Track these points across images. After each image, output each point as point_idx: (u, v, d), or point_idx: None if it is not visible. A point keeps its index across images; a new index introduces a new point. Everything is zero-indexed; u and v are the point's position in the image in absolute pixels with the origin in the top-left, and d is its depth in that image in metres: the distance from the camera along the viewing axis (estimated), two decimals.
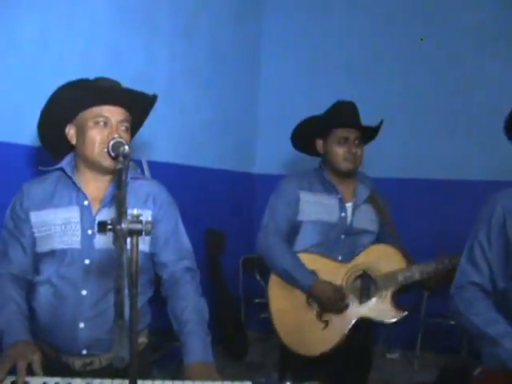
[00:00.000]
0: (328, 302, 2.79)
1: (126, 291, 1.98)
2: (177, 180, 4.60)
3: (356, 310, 2.82)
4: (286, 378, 1.73)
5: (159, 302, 2.23)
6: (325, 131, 2.93)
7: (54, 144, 2.21)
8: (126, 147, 1.83)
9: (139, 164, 4.18)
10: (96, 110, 2.06)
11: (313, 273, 2.83)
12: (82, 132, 2.08)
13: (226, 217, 5.28)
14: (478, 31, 5.07)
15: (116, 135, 2.00)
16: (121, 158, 1.75)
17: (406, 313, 2.81)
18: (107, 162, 2.02)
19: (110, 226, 1.29)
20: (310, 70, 5.70)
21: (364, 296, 2.85)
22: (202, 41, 4.89)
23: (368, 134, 3.00)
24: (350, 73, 5.52)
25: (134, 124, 2.21)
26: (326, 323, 2.83)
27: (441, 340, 5.00)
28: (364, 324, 2.85)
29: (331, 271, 2.84)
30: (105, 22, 3.75)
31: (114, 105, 2.07)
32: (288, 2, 5.87)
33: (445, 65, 5.19)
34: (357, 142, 2.90)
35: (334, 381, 2.70)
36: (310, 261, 2.86)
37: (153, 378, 1.76)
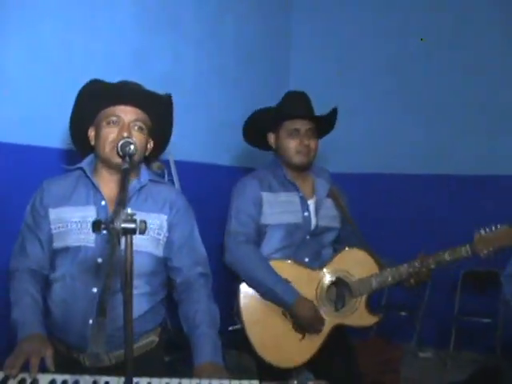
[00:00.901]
0: (307, 322, 2.67)
1: (135, 291, 2.05)
2: (205, 180, 4.63)
3: (332, 318, 2.74)
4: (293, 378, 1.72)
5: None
6: (275, 124, 2.85)
7: (83, 146, 2.28)
8: (132, 147, 1.87)
9: (167, 164, 4.22)
10: (110, 110, 2.13)
11: (294, 289, 2.69)
12: (97, 132, 2.15)
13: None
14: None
15: (126, 134, 2.04)
16: (127, 158, 1.77)
17: (379, 318, 2.79)
18: (117, 160, 2.06)
19: (103, 225, 1.31)
20: (339, 66, 5.67)
21: (339, 303, 2.79)
22: (228, 39, 4.89)
23: (323, 125, 2.90)
24: (380, 69, 5.48)
25: (160, 127, 2.26)
26: (303, 334, 2.71)
27: (475, 339, 4.92)
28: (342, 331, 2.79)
29: (305, 279, 2.72)
30: (129, 25, 3.79)
31: (126, 105, 2.12)
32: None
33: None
34: (309, 133, 2.81)
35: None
36: (281, 269, 2.71)
37: (163, 375, 1.78)
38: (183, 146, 4.37)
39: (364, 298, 2.75)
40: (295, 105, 2.86)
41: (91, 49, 3.47)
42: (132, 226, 1.30)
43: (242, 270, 2.71)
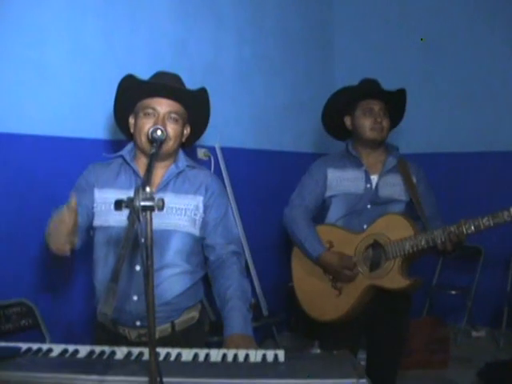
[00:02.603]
0: (335, 270, 2.90)
1: (178, 269, 2.15)
2: (251, 165, 4.73)
3: (366, 278, 2.90)
4: (315, 346, 1.79)
5: None
6: (351, 106, 3.02)
7: (127, 131, 2.41)
8: (159, 132, 1.97)
9: (213, 150, 4.33)
10: (146, 101, 2.24)
11: (322, 244, 2.95)
12: (136, 121, 2.27)
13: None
14: None
15: (160, 124, 2.14)
16: (155, 144, 1.88)
17: (410, 282, 2.83)
18: (153, 150, 2.15)
19: (124, 204, 1.41)
20: (383, 50, 5.67)
21: (374, 264, 2.90)
22: (269, 25, 4.95)
23: (393, 106, 3.05)
24: (423, 52, 5.47)
25: (196, 117, 2.36)
26: (340, 291, 2.95)
27: None
28: (390, 295, 2.89)
29: (345, 242, 2.94)
30: (168, 16, 3.89)
31: (162, 97, 2.22)
32: None
33: None
34: (381, 113, 2.98)
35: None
36: (326, 232, 3.00)
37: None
38: (229, 132, 4.48)
39: (399, 261, 2.83)
40: (368, 86, 3.05)
41: (132, 42, 3.60)
42: (150, 203, 1.40)
43: (290, 229, 3.08)
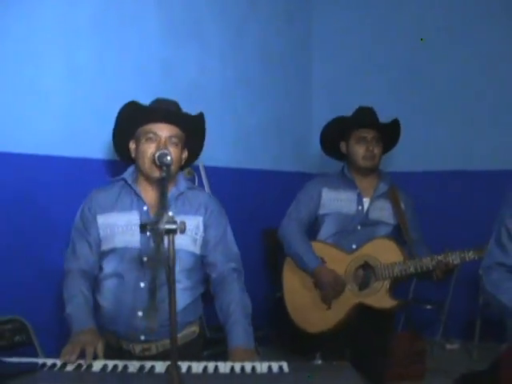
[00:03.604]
0: (326, 286, 3.08)
1: (179, 285, 2.26)
2: (234, 184, 4.84)
3: (355, 296, 3.08)
4: (317, 358, 1.92)
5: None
6: (346, 133, 3.21)
7: (125, 156, 2.53)
8: (169, 158, 2.10)
9: (197, 170, 4.43)
10: (148, 127, 2.35)
11: (318, 258, 3.12)
12: (137, 146, 2.38)
13: (283, 217, 5.47)
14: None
15: (163, 148, 2.26)
16: (164, 168, 2.00)
17: (397, 303, 3.05)
18: (156, 174, 2.30)
19: (149, 227, 1.53)
20: (360, 68, 5.86)
21: (364, 284, 3.09)
22: (252, 46, 5.10)
23: (387, 133, 3.23)
24: (398, 71, 5.66)
25: (193, 140, 2.49)
26: (329, 305, 3.12)
27: (500, 330, 5.02)
28: (376, 313, 3.06)
29: (336, 260, 3.13)
30: (156, 39, 4.01)
31: (163, 122, 2.34)
32: (336, 4, 6.01)
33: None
34: (374, 141, 3.17)
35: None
36: (320, 249, 3.18)
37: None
38: (212, 151, 4.58)
39: (387, 282, 3.03)
40: (362, 116, 3.25)
41: (122, 63, 3.70)
42: (173, 226, 1.52)
43: (285, 242, 3.26)
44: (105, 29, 3.58)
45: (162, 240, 1.51)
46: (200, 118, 2.49)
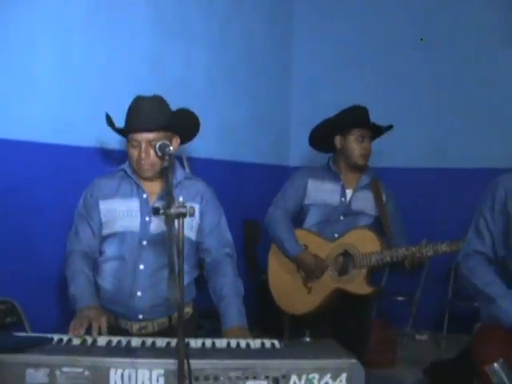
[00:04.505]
0: (308, 269, 3.28)
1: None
2: (215, 175, 4.96)
3: (335, 282, 3.27)
4: (305, 336, 2.07)
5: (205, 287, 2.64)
6: (345, 129, 3.34)
7: None
8: (171, 148, 2.24)
9: (180, 161, 4.56)
10: (131, 135, 2.51)
11: (300, 245, 3.30)
12: (127, 148, 2.55)
13: (263, 208, 5.60)
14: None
15: (143, 155, 2.45)
16: (166, 157, 2.15)
17: (373, 289, 3.24)
18: (145, 174, 2.50)
19: (162, 210, 1.67)
20: (339, 67, 6.04)
21: (343, 271, 3.28)
22: (236, 45, 5.26)
23: (377, 134, 3.44)
24: (378, 69, 5.86)
25: (184, 132, 2.65)
26: (310, 289, 3.33)
27: (467, 322, 5.22)
28: (354, 299, 3.25)
29: (319, 247, 3.31)
30: (144, 35, 4.14)
31: (141, 132, 2.47)
32: (318, 4, 6.19)
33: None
34: (368, 140, 3.36)
35: None
36: (303, 236, 3.36)
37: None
38: (195, 143, 4.71)
39: (365, 270, 3.21)
40: (363, 116, 3.40)
41: (112, 57, 3.82)
42: (184, 210, 1.67)
43: (271, 228, 3.42)
44: (96, 24, 3.69)
45: (173, 223, 1.65)
46: (178, 114, 2.60)
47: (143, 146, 2.45)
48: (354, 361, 1.80)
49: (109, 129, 2.71)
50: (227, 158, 5.14)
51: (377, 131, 3.41)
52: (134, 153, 2.48)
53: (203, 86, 4.84)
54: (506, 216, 2.43)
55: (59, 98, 3.45)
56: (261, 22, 5.66)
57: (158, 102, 2.57)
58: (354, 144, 3.33)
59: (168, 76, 4.35)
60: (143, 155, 2.45)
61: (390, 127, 3.44)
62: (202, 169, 4.75)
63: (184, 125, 2.62)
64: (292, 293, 3.37)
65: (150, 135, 2.46)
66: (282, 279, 3.42)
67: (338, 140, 3.39)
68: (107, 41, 3.78)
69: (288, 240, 3.33)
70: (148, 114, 2.49)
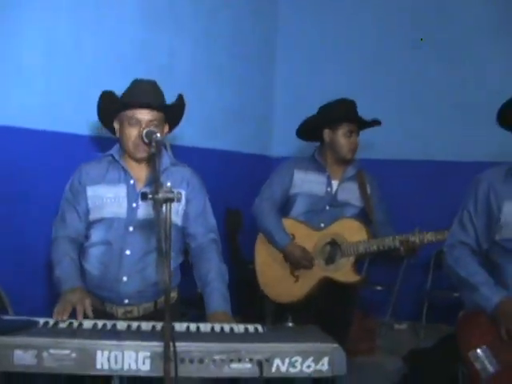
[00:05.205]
0: (295, 261, 3.32)
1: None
2: (199, 163, 4.96)
3: (322, 270, 3.32)
4: (288, 321, 2.13)
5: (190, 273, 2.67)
6: (335, 123, 3.37)
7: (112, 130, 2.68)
8: (158, 134, 2.25)
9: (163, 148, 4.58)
10: (130, 112, 2.50)
11: (288, 236, 3.34)
12: (121, 128, 2.55)
13: (244, 197, 5.64)
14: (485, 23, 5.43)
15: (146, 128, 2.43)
16: (153, 144, 2.17)
17: (361, 277, 3.33)
18: (139, 155, 2.50)
19: (150, 196, 1.70)
20: (321, 60, 6.07)
21: (330, 260, 3.33)
22: (221, 36, 5.27)
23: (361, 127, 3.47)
24: (366, 61, 5.88)
25: (173, 119, 2.68)
26: (297, 278, 3.37)
27: (445, 312, 5.31)
28: (341, 287, 3.31)
29: (306, 236, 3.35)
30: (131, 22, 4.14)
31: (143, 108, 2.49)
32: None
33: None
34: (356, 135, 3.39)
35: None
36: (291, 225, 3.40)
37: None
38: (180, 131, 4.73)
39: (352, 259, 3.26)
40: (352, 111, 3.42)
41: (98, 43, 3.82)
42: (171, 195, 1.69)
43: (259, 219, 3.46)
44: (83, 11, 3.69)
45: (161, 208, 1.68)
46: (180, 101, 2.65)
47: (143, 125, 2.45)
48: (335, 345, 1.85)
49: (96, 115, 2.69)
50: (209, 147, 5.15)
51: (364, 125, 3.45)
52: (133, 132, 2.47)
53: (187, 73, 4.83)
54: (488, 210, 2.51)
55: (46, 84, 3.44)
56: (247, 11, 5.68)
57: (156, 85, 2.62)
58: (342, 139, 3.36)
59: (154, 64, 4.34)
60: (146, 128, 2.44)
61: (378, 122, 3.48)
62: (185, 156, 4.72)
63: (177, 108, 2.65)
64: (279, 281, 3.42)
65: (150, 115, 2.48)
66: (269, 268, 3.46)
67: (326, 133, 3.41)
68: (93, 26, 3.78)
69: (276, 231, 3.37)
70: (149, 93, 2.53)
